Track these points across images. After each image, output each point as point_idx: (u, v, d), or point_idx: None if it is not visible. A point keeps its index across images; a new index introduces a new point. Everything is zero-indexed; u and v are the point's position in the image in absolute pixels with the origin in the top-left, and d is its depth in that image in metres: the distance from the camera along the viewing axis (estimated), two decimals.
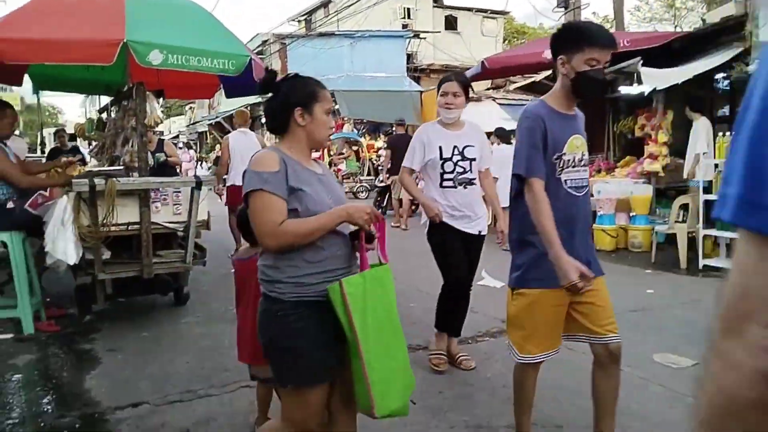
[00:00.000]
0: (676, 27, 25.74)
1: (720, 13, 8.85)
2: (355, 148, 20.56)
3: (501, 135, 10.40)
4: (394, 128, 13.85)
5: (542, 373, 3.92)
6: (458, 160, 4.00)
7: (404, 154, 4.25)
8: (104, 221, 4.62)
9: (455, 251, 4.06)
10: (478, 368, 4.08)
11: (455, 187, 4.00)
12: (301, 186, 2.15)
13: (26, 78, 6.52)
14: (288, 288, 2.15)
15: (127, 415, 3.39)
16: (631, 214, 8.60)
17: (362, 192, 17.47)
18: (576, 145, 2.74)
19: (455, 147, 3.99)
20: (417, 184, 4.53)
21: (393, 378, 2.18)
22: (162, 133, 13.07)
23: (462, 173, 3.99)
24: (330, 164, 20.60)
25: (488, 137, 19.08)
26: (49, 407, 3.57)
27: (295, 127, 2.26)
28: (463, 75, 4.29)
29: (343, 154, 20.52)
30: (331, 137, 22.60)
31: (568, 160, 2.69)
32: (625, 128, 10.58)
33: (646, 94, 8.80)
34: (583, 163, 2.77)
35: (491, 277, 6.56)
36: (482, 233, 4.19)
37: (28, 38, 4.34)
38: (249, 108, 23.75)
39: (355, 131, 21.79)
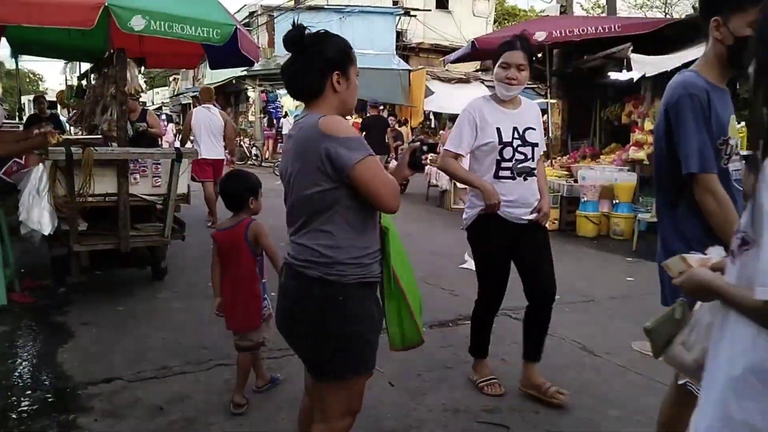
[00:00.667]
0: (666, 14, 25.73)
1: None
2: None
3: None
4: (368, 110, 13.81)
5: (521, 357, 3.93)
6: (518, 146, 3.28)
7: (378, 137, 4.07)
8: (81, 191, 4.50)
9: (502, 259, 3.48)
10: (457, 351, 4.06)
11: (514, 178, 3.29)
12: None
13: (4, 42, 6.32)
14: (350, 269, 1.98)
15: (99, 391, 3.33)
16: (614, 202, 8.61)
17: None
18: (735, 128, 2.26)
19: (515, 129, 3.28)
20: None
21: (420, 308, 2.36)
22: (145, 103, 12.89)
23: (522, 161, 3.29)
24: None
25: None
26: (20, 381, 3.50)
27: (330, 92, 2.01)
28: (528, 41, 3.38)
29: None
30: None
31: (733, 146, 2.21)
32: (612, 115, 10.57)
33: (635, 80, 8.77)
34: (738, 149, 2.27)
35: (470, 262, 6.53)
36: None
37: None
38: (235, 81, 23.46)
39: None
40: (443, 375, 3.69)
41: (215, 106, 8.78)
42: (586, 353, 4.09)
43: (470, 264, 6.43)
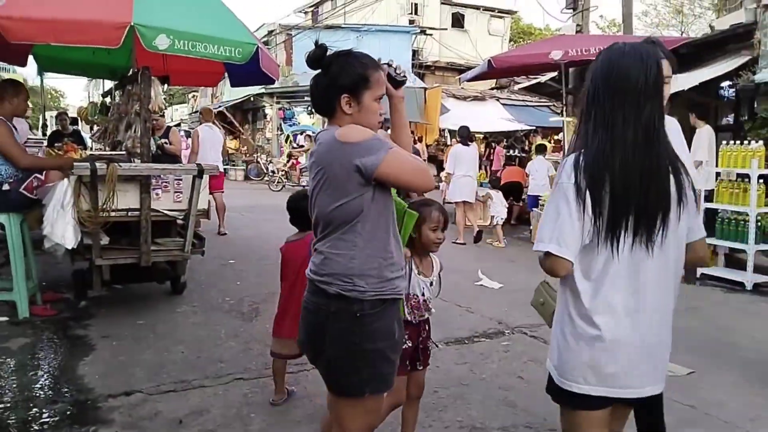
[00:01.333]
0: (682, 33, 25.70)
1: (729, 20, 8.82)
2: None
3: (462, 135, 10.06)
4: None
5: (537, 375, 3.91)
6: None
7: None
8: (104, 206, 4.58)
9: None
10: (474, 369, 4.06)
11: None
12: None
13: (30, 59, 6.48)
14: (370, 284, 1.98)
15: (119, 404, 3.37)
16: None
17: None
18: None
19: None
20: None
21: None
22: (179, 123, 13.17)
23: None
24: (289, 157, 20.64)
25: (486, 138, 19.07)
26: (41, 393, 3.54)
27: (340, 113, 2.04)
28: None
29: (303, 146, 20.56)
30: (290, 130, 22.48)
31: None
32: None
33: None
34: None
35: (488, 278, 6.54)
36: None
37: (35, 17, 4.28)
38: (253, 98, 23.72)
39: None
40: (459, 392, 3.69)
41: (215, 124, 9.55)
42: None
43: (485, 281, 6.46)
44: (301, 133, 21.43)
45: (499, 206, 9.56)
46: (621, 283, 1.79)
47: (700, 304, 5.95)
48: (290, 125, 23.19)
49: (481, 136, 19.88)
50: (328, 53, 2.06)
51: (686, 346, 4.62)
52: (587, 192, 1.74)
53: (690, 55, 9.06)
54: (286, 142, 22.54)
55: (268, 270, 6.60)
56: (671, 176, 1.78)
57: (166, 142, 7.29)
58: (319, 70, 2.07)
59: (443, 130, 18.62)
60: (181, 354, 4.15)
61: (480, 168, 14.62)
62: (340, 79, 2.02)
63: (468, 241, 9.17)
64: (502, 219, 9.49)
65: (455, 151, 9.82)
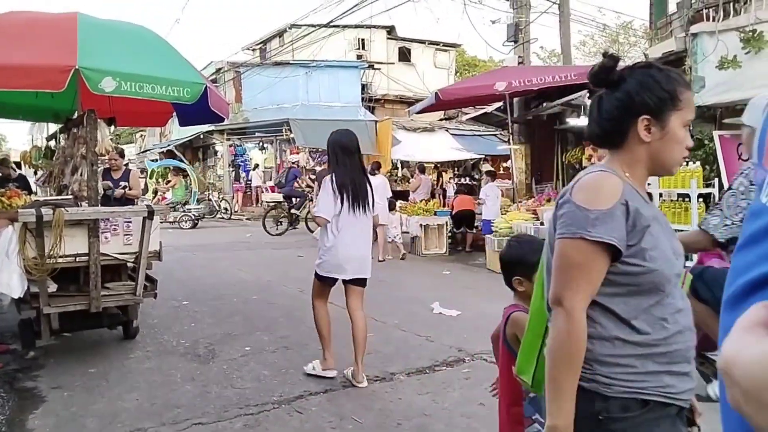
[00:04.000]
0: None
1: (661, 48, 9.29)
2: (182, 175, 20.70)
3: (372, 168, 11.17)
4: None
5: (495, 401, 3.95)
6: None
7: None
8: (51, 253, 4.45)
9: None
10: (436, 398, 4.07)
11: None
12: (647, 232, 1.51)
13: None
14: (616, 374, 1.49)
15: None
16: None
17: (186, 222, 17.07)
18: None
19: None
20: None
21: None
22: (128, 163, 12.94)
23: None
24: (155, 193, 20.54)
25: (437, 168, 19.48)
26: None
27: (635, 142, 1.57)
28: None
29: (170, 181, 20.60)
30: (156, 165, 22.30)
31: None
32: (573, 159, 10.92)
33: None
34: None
35: (444, 307, 6.59)
36: None
37: None
38: (203, 136, 23.54)
39: (311, 160, 21.80)
40: (422, 423, 3.69)
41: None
42: None
43: (443, 310, 6.51)
44: (173, 169, 21.37)
45: (392, 229, 11.03)
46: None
47: None
48: (242, 161, 23.06)
49: (432, 165, 20.23)
50: (619, 65, 1.61)
51: None
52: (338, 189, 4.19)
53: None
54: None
55: (223, 310, 6.52)
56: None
57: (126, 186, 7.14)
58: (602, 88, 1.63)
59: (396, 161, 18.85)
60: (135, 401, 4.03)
61: (434, 197, 14.87)
62: (639, 96, 1.55)
63: (427, 270, 9.24)
64: (396, 236, 11.05)
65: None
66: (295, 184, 15.31)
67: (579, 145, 10.65)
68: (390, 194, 11.36)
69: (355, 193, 4.28)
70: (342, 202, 4.23)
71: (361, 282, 4.47)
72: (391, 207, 11.34)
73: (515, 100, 11.71)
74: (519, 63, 12.68)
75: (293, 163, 16.29)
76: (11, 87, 4.50)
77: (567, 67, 12.24)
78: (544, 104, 10.83)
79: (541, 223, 9.38)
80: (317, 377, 4.43)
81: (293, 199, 15.35)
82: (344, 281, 4.44)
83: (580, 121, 9.31)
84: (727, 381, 0.53)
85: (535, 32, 13.04)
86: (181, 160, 25.18)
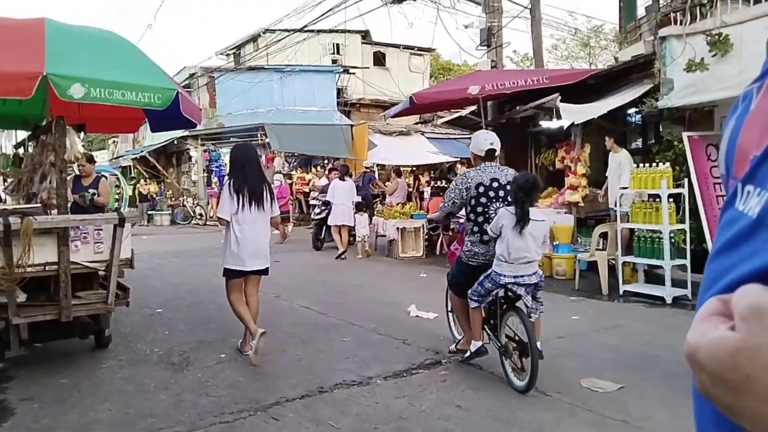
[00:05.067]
0: (590, 64, 27.23)
1: (631, 51, 9.46)
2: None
3: (342, 172, 12.30)
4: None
5: (475, 402, 3.99)
6: None
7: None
8: (20, 262, 4.37)
9: None
10: (413, 402, 4.08)
11: None
12: None
13: None
14: None
15: None
16: (554, 243, 8.91)
17: None
18: None
19: None
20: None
21: None
22: (101, 172, 12.72)
23: None
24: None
25: (413, 171, 19.64)
26: None
27: None
28: None
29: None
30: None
31: None
32: (546, 161, 11.04)
33: (564, 128, 9.23)
34: None
35: (421, 310, 6.60)
36: None
37: None
38: (177, 141, 23.29)
39: (287, 165, 21.71)
40: (399, 426, 3.69)
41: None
42: (537, 393, 4.17)
43: (421, 313, 6.52)
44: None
45: (360, 228, 11.76)
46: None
47: (624, 321, 6.23)
48: (216, 167, 22.88)
49: (409, 169, 20.27)
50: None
51: (613, 362, 4.82)
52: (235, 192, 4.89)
53: (598, 85, 9.64)
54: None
55: (198, 317, 6.46)
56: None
57: (95, 194, 7.02)
58: None
59: (372, 164, 18.85)
60: (108, 412, 3.96)
61: (410, 199, 14.89)
62: None
63: (404, 274, 9.25)
64: (365, 236, 11.77)
65: (333, 185, 12.00)
66: (371, 187, 15.24)
67: (552, 147, 10.77)
68: (357, 198, 12.02)
69: (251, 195, 4.99)
70: (239, 203, 4.95)
71: (260, 272, 5.18)
72: (359, 208, 11.89)
73: (489, 103, 11.80)
74: (492, 67, 12.78)
75: (367, 167, 16.22)
76: None
77: (539, 70, 12.37)
78: (517, 107, 10.94)
79: None
80: (293, 384, 4.41)
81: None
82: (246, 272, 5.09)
83: (553, 124, 9.42)
84: (694, 368, 0.56)
85: (507, 36, 13.19)
86: (154, 166, 24.92)
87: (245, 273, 5.04)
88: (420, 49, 28.52)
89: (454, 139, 20.33)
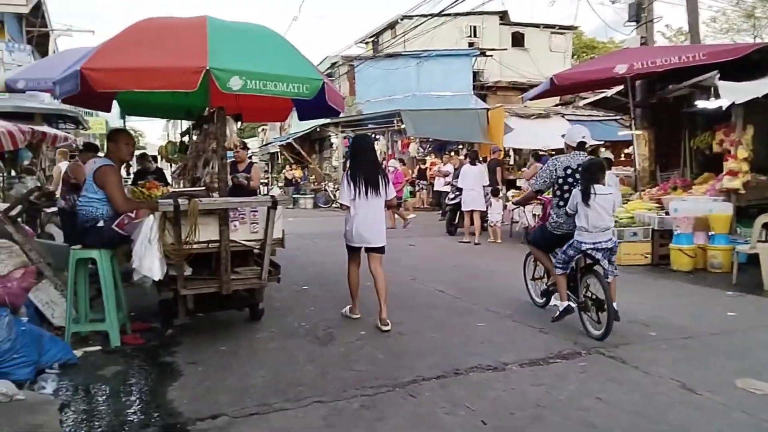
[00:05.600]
0: (755, 38, 24.60)
1: None
2: None
3: (471, 157, 12.28)
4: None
5: (617, 396, 3.84)
6: None
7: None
8: (187, 239, 4.85)
9: None
10: (551, 391, 4.02)
11: None
12: None
13: (114, 104, 6.96)
14: None
15: (207, 426, 3.54)
16: (710, 233, 8.26)
17: None
18: None
19: None
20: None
21: None
22: (251, 156, 13.70)
23: None
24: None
25: (552, 155, 19.06)
26: (134, 417, 3.76)
27: None
28: None
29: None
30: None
31: None
32: (702, 144, 10.20)
33: (724, 108, 8.47)
34: None
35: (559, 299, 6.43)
36: None
37: (119, 67, 4.62)
38: (319, 129, 24.27)
39: (421, 150, 21.91)
40: (536, 414, 3.66)
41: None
42: (686, 391, 3.94)
43: (557, 302, 6.35)
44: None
45: (495, 213, 11.78)
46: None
47: None
48: None
49: (547, 153, 19.64)
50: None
51: None
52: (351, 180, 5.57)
53: (764, 60, 8.71)
54: None
55: (341, 295, 6.76)
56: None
57: (248, 177, 7.58)
58: None
59: (508, 149, 18.51)
60: (262, 378, 4.31)
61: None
62: None
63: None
64: (497, 221, 11.79)
65: (464, 170, 12.06)
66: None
67: (709, 129, 9.91)
68: (487, 182, 11.96)
69: (366, 182, 5.58)
70: (356, 190, 5.57)
71: (376, 250, 5.73)
72: (494, 193, 11.83)
73: (638, 83, 11.10)
74: (642, 44, 12.00)
75: (544, 153, 16.42)
76: (149, 88, 4.90)
77: (695, 46, 11.42)
78: (670, 86, 10.18)
79: (666, 213, 8.87)
80: (429, 364, 4.52)
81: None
82: (366, 249, 5.74)
83: (711, 104, 8.67)
84: None
85: (659, 10, 12.29)
86: (299, 152, 26.22)
87: (359, 249, 5.76)
88: (561, 27, 27.40)
89: (598, 120, 19.36)
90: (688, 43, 13.90)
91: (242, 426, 3.54)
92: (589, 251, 5.17)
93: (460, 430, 3.46)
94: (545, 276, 6.15)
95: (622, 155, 18.61)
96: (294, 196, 24.57)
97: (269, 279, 5.34)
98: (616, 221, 9.22)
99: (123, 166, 5.86)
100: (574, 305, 5.40)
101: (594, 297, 5.21)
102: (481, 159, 12.82)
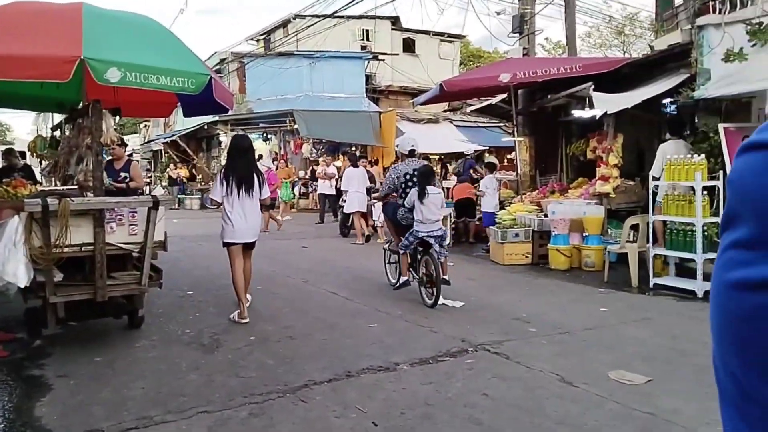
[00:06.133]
0: (624, 53, 26.71)
1: (667, 40, 9.24)
2: None
3: (351, 160, 12.89)
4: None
5: (502, 392, 4.00)
6: None
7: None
8: (57, 242, 4.48)
9: None
10: (439, 388, 4.10)
11: None
12: None
13: None
14: None
15: None
16: (584, 234, 8.82)
17: None
18: None
19: None
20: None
21: None
22: (131, 153, 12.90)
23: None
24: None
25: (441, 159, 19.53)
26: None
27: None
28: None
29: None
30: None
31: None
32: (577, 150, 10.89)
33: (597, 117, 9.09)
34: None
35: (447, 298, 6.60)
36: None
37: None
38: (207, 126, 23.50)
39: (314, 151, 21.80)
40: (426, 412, 3.71)
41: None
42: (564, 384, 4.16)
43: (447, 302, 6.52)
44: None
45: (379, 214, 11.53)
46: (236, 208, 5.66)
47: (653, 314, 6.15)
48: None
49: (437, 157, 20.22)
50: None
51: (642, 355, 4.77)
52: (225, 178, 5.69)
53: (632, 74, 9.45)
54: None
55: (227, 300, 6.55)
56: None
57: (126, 177, 7.14)
58: None
59: (399, 152, 18.86)
60: (141, 390, 4.07)
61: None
62: None
63: None
64: (378, 221, 11.79)
65: (347, 173, 12.43)
66: (471, 173, 15.11)
67: (583, 137, 10.62)
68: (369, 184, 12.29)
69: (239, 180, 5.73)
70: (229, 188, 5.71)
71: (249, 245, 5.99)
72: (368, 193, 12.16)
73: (520, 91, 11.67)
74: (524, 54, 12.63)
75: (468, 155, 16.24)
76: (17, 77, 4.51)
77: (572, 58, 12.20)
78: (549, 96, 10.79)
79: (545, 215, 9.38)
80: (320, 368, 4.47)
81: None
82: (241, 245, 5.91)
83: (585, 113, 9.28)
84: None
85: (540, 23, 13.02)
86: (185, 150, 25.22)
87: (239, 246, 5.85)
88: (450, 35, 28.28)
89: (484, 127, 20.19)
90: (566, 56, 14.82)
91: None
92: (424, 238, 6.45)
93: None
94: (398, 263, 7.26)
95: (505, 160, 19.53)
96: (179, 196, 23.58)
97: (150, 284, 5.07)
98: (499, 223, 9.66)
99: None
100: (411, 280, 6.75)
101: (429, 274, 6.49)
102: (371, 161, 12.98)
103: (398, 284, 6.91)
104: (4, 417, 3.70)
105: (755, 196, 0.52)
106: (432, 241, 6.42)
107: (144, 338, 5.29)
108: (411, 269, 6.79)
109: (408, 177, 6.89)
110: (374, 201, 9.06)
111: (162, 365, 4.59)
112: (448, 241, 11.45)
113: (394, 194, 7.50)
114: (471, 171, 14.35)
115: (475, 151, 18.85)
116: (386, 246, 7.84)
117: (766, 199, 0.52)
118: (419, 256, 6.70)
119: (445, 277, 6.46)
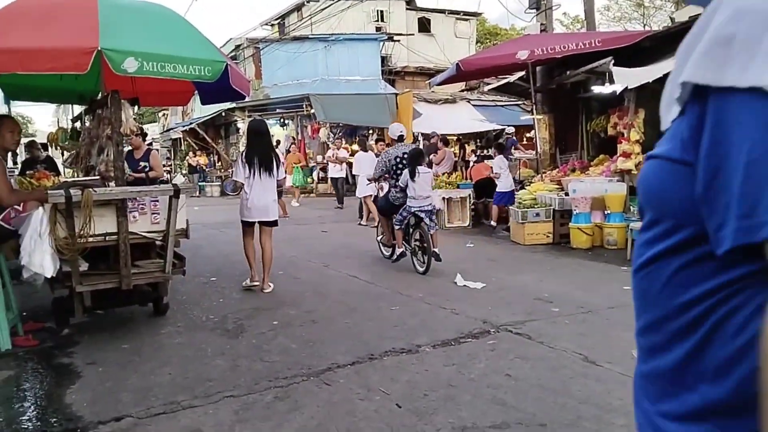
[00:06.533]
0: (645, 25, 26.18)
1: (688, 11, 9.03)
2: None
3: (360, 144, 13.43)
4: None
5: (525, 372, 3.99)
6: None
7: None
8: (81, 232, 4.55)
9: None
10: (462, 370, 4.11)
11: None
12: None
13: None
14: None
15: (110, 430, 3.35)
16: (606, 212, 8.73)
17: None
18: None
19: None
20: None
21: None
22: (151, 143, 12.97)
23: None
24: None
25: (459, 140, 19.31)
26: (29, 424, 3.50)
27: None
28: None
29: None
30: None
31: None
32: (598, 127, 10.74)
33: (617, 93, 8.94)
34: None
35: (468, 280, 6.60)
36: None
37: (1, 48, 4.26)
38: (224, 113, 23.57)
39: (331, 135, 21.78)
40: (449, 393, 3.73)
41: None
42: (588, 364, 4.14)
43: (468, 282, 6.52)
44: None
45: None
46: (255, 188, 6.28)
47: None
48: None
49: (455, 138, 20.09)
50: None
51: None
52: (246, 161, 6.27)
53: (653, 47, 9.26)
54: None
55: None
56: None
57: (146, 167, 7.20)
58: None
59: (416, 134, 18.75)
60: (168, 375, 4.13)
61: (456, 169, 14.77)
62: None
63: (452, 243, 9.25)
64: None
65: (357, 157, 13.14)
66: (513, 150, 14.86)
67: (604, 113, 10.45)
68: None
69: (260, 162, 6.23)
70: (251, 169, 6.22)
71: (268, 224, 6.45)
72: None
73: (538, 68, 11.51)
74: (541, 30, 12.43)
75: (508, 134, 15.99)
76: (36, 70, 4.54)
77: (591, 33, 11.97)
78: (568, 72, 10.63)
79: (566, 194, 9.29)
80: (343, 351, 4.50)
81: None
82: (259, 223, 6.45)
83: (605, 89, 9.13)
84: None
85: None
86: (203, 138, 25.36)
87: (254, 224, 6.43)
88: (466, 13, 27.95)
89: (502, 106, 19.98)
90: (585, 31, 14.56)
91: (148, 427, 3.37)
92: (416, 212, 7.22)
93: (375, 414, 3.47)
94: (384, 235, 8.24)
95: (525, 139, 19.33)
96: (200, 183, 23.76)
97: (173, 272, 5.12)
98: (519, 203, 9.59)
99: (9, 155, 5.41)
100: (407, 251, 7.50)
101: (420, 245, 7.31)
102: (388, 144, 12.92)
103: (396, 257, 7.58)
104: (37, 404, 3.79)
105: (651, 192, 0.88)
106: (423, 215, 7.17)
107: (169, 325, 5.37)
108: (405, 242, 7.56)
109: (398, 159, 7.69)
110: (369, 182, 9.47)
111: (188, 351, 4.65)
112: (468, 223, 11.47)
113: (386, 175, 8.11)
114: (513, 149, 14.10)
115: (504, 131, 18.72)
116: (378, 239, 8.50)
117: (657, 194, 0.85)
118: (411, 230, 7.45)
119: (435, 250, 7.05)
